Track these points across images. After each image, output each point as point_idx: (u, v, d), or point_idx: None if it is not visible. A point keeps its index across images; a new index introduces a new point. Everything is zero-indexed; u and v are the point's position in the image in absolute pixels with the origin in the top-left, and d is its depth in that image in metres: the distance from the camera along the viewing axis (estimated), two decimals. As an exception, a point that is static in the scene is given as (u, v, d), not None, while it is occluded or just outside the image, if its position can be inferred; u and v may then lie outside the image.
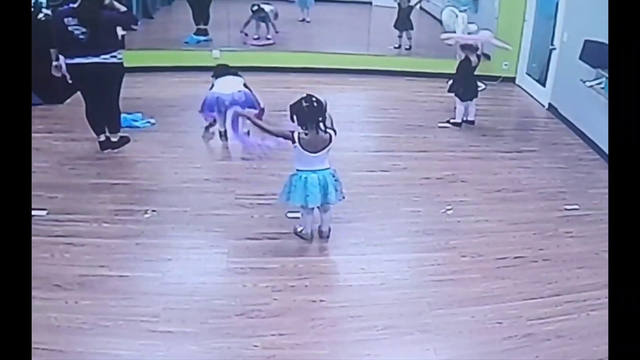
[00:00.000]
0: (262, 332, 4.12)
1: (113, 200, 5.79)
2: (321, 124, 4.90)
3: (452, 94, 8.23)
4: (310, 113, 4.86)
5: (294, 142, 4.89)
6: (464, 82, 8.13)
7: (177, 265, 4.82)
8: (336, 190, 5.08)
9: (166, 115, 8.03)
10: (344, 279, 4.86)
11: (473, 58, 8.01)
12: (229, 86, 7.02)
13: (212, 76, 7.20)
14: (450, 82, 8.22)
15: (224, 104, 6.99)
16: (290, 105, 4.94)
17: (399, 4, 11.16)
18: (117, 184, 6.12)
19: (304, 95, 4.93)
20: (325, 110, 4.94)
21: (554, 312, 4.46)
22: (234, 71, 7.24)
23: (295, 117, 4.93)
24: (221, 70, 7.26)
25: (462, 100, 8.19)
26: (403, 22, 11.21)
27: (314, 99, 4.88)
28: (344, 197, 5.24)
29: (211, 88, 7.09)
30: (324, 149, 4.95)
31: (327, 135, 4.94)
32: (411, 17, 11.16)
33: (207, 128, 7.42)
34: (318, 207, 5.18)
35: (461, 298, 4.59)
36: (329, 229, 5.37)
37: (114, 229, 5.28)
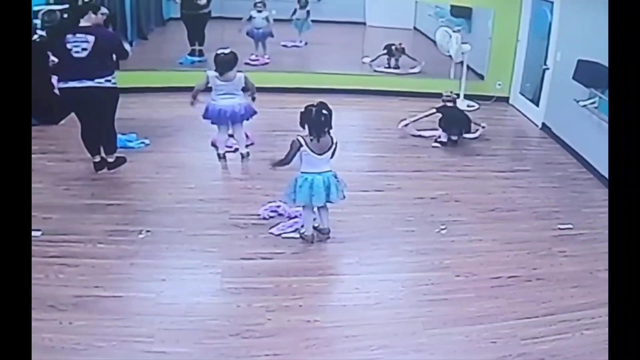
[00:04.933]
0: (256, 352, 4.11)
1: (107, 220, 5.78)
2: (326, 131, 5.25)
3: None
4: (324, 121, 5.20)
5: (300, 146, 5.21)
6: (455, 120, 8.30)
7: (171, 285, 4.81)
8: (337, 190, 5.40)
9: (160, 136, 8.03)
10: (338, 298, 4.85)
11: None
12: (231, 100, 7.06)
13: (216, 70, 7.01)
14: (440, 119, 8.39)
15: (225, 115, 7.06)
16: (302, 112, 5.25)
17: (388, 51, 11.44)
18: (112, 204, 6.11)
19: (318, 103, 5.22)
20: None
21: (548, 331, 4.45)
22: (234, 61, 7.06)
23: (305, 123, 5.24)
24: (223, 65, 6.99)
25: (461, 134, 8.32)
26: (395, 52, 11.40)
27: (324, 111, 5.20)
28: (344, 197, 5.52)
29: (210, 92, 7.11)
30: (328, 150, 5.29)
31: (330, 137, 5.29)
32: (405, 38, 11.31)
33: (219, 156, 7.40)
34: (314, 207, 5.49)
35: (455, 317, 4.58)
36: (329, 228, 5.62)
37: (108, 250, 5.27)
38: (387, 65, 11.46)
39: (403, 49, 11.39)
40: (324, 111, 5.17)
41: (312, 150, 5.22)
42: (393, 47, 11.38)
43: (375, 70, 11.29)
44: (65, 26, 6.33)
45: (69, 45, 6.16)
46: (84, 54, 6.18)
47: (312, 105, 5.20)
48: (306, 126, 5.25)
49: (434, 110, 8.45)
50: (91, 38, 6.19)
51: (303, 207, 5.50)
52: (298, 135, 5.27)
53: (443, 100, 8.53)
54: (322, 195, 5.34)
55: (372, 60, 11.46)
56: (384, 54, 11.52)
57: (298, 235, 5.61)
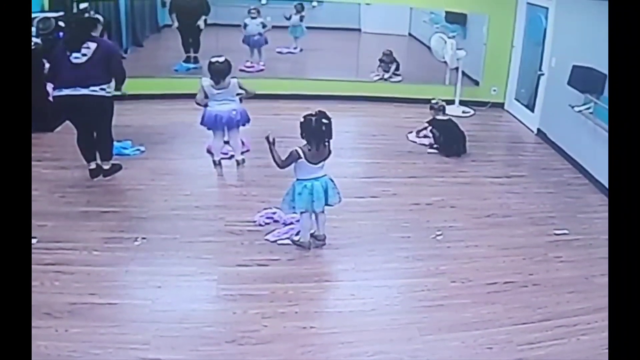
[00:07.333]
0: (252, 358, 4.10)
1: (103, 227, 5.77)
2: (326, 142, 5.25)
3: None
4: (324, 131, 5.19)
5: (299, 158, 5.21)
6: (452, 139, 8.34)
7: (167, 292, 4.80)
8: (334, 192, 5.45)
9: (155, 143, 8.03)
10: (334, 305, 4.85)
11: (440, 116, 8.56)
12: (227, 106, 7.09)
13: (211, 79, 7.03)
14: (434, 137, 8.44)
15: (221, 120, 7.09)
16: (301, 122, 5.22)
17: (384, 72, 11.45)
18: (107, 211, 6.10)
19: (317, 112, 5.21)
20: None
21: (544, 337, 4.45)
22: (228, 69, 7.09)
23: (305, 133, 5.22)
24: (217, 74, 7.02)
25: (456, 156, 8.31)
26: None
27: (324, 120, 5.18)
28: (340, 200, 5.54)
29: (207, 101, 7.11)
30: (324, 159, 5.31)
31: (327, 148, 5.30)
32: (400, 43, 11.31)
33: (214, 163, 7.42)
34: (314, 212, 5.49)
35: (451, 323, 4.58)
36: (324, 235, 5.62)
37: (103, 257, 5.26)
38: (380, 74, 11.43)
39: (390, 52, 11.37)
40: (324, 120, 5.16)
41: (309, 161, 5.23)
42: (383, 55, 11.37)
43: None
44: (73, 38, 6.33)
45: (71, 57, 6.17)
46: (83, 59, 6.19)
47: (312, 115, 5.18)
48: (305, 137, 5.23)
49: (429, 126, 8.48)
50: (93, 45, 6.21)
51: (301, 213, 5.47)
52: (297, 147, 5.26)
53: (432, 108, 8.52)
54: (322, 200, 5.36)
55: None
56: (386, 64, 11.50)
57: (293, 242, 5.60)
